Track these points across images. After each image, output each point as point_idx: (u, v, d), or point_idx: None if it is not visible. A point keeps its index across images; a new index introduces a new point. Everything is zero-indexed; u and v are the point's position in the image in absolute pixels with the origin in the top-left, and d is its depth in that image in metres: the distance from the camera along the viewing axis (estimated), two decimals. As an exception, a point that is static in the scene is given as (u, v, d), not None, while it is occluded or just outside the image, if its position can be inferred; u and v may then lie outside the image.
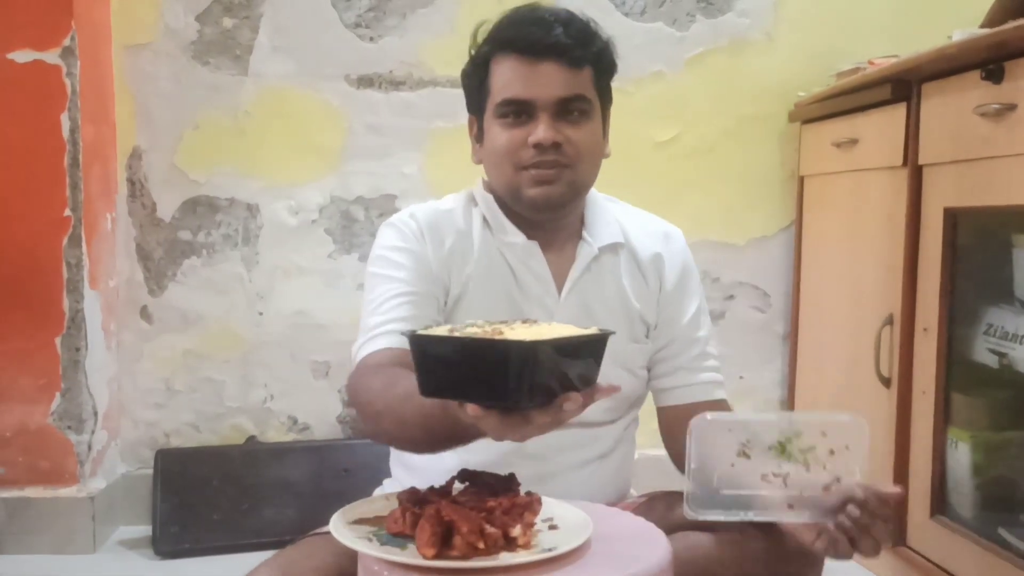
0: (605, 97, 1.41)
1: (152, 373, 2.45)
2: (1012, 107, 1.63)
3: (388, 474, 1.53)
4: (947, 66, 1.81)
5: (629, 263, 1.46)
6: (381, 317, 1.32)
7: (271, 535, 2.20)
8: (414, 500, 1.06)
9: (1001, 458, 1.85)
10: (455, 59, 2.44)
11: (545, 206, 1.37)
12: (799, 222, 2.52)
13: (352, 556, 1.10)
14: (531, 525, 1.03)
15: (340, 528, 1.05)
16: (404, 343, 1.12)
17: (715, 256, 2.56)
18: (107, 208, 2.35)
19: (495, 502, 1.03)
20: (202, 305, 2.45)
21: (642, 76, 2.50)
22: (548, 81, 1.32)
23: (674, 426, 1.43)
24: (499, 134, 1.35)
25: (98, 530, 2.23)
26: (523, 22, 1.34)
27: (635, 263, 1.46)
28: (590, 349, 0.99)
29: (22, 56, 2.15)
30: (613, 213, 1.49)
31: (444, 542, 0.97)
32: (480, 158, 1.43)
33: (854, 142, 2.18)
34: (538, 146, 1.32)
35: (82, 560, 2.18)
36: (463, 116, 2.41)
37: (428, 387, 0.96)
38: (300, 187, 2.45)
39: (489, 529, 0.97)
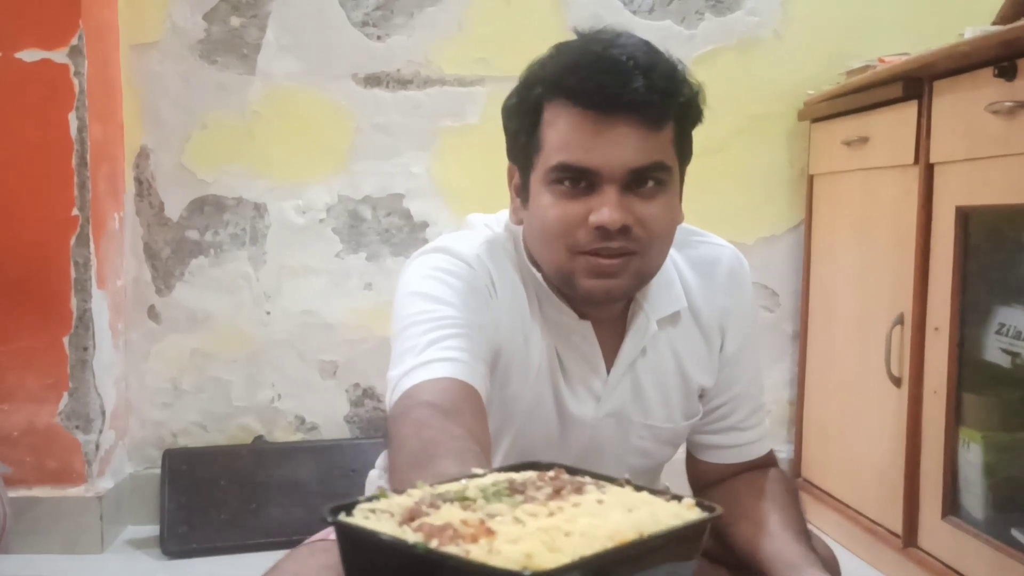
0: (685, 155, 1.15)
1: (160, 373, 2.45)
2: (1025, 105, 1.62)
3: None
4: (959, 64, 1.80)
5: (690, 329, 1.22)
6: (428, 339, 1.05)
7: (279, 535, 2.19)
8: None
9: (1013, 458, 1.83)
10: (463, 58, 2.47)
11: (604, 300, 1.12)
12: (809, 221, 2.51)
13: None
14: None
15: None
16: (466, 375, 1.01)
17: (724, 255, 2.54)
18: (115, 207, 2.35)
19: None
20: (210, 305, 2.44)
21: (651, 74, 2.49)
22: (620, 146, 1.03)
23: (712, 481, 1.29)
24: (550, 205, 1.07)
25: (106, 530, 2.23)
26: (592, 67, 1.04)
27: (698, 326, 1.22)
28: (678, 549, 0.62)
29: (30, 55, 2.15)
30: (671, 259, 1.20)
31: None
32: (521, 218, 1.15)
33: (864, 140, 2.17)
34: (601, 229, 1.04)
35: (90, 560, 2.18)
36: (471, 115, 2.40)
37: None
38: (308, 186, 2.45)
39: None
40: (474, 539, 0.56)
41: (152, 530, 2.31)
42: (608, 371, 1.18)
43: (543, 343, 1.16)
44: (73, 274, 2.19)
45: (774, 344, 2.60)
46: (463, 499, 0.63)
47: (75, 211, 2.19)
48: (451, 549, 0.55)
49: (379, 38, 2.44)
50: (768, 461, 1.30)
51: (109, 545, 2.25)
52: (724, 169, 2.52)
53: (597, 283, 1.08)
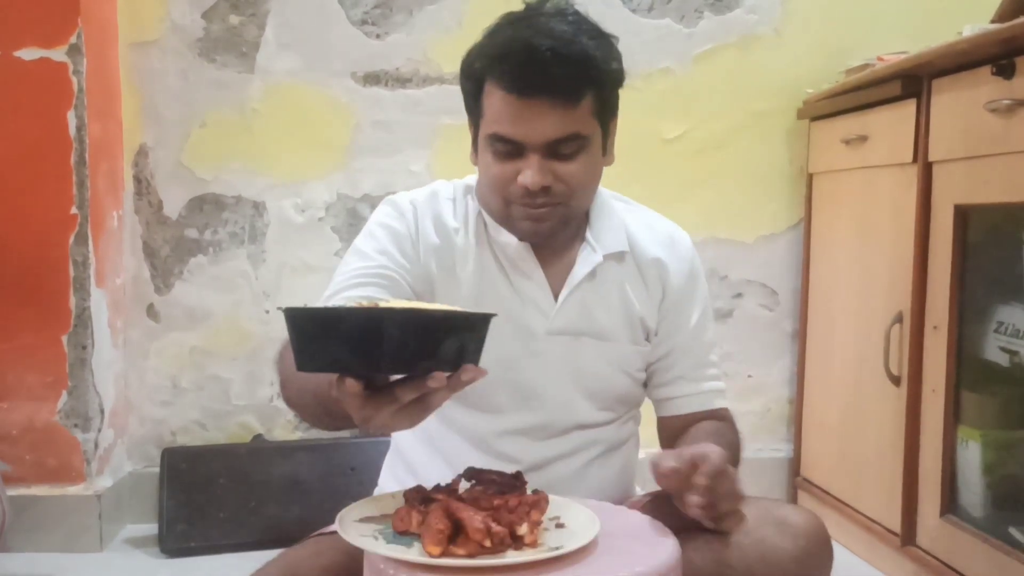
0: (609, 113, 1.32)
1: (159, 371, 2.45)
2: (1023, 103, 1.62)
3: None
4: (958, 62, 1.80)
5: (632, 269, 1.41)
6: (336, 290, 1.29)
7: (277, 533, 2.19)
8: (420, 498, 1.06)
9: (1012, 457, 1.83)
10: (462, 56, 2.46)
11: (535, 238, 1.34)
12: (808, 219, 2.51)
13: (359, 556, 1.10)
14: (538, 523, 1.02)
15: (346, 526, 1.04)
16: None
17: (723, 253, 2.55)
18: (114, 206, 2.35)
19: (501, 500, 1.02)
20: (209, 303, 2.44)
21: (650, 73, 2.49)
22: (538, 122, 1.24)
23: (673, 437, 1.41)
24: (490, 163, 1.30)
25: (105, 528, 2.23)
26: (515, 53, 1.23)
27: (638, 269, 1.41)
28: (467, 327, 0.91)
29: (29, 54, 2.15)
30: (620, 216, 1.43)
31: (451, 540, 0.96)
32: (475, 162, 1.38)
33: (863, 139, 2.17)
34: (525, 188, 1.26)
35: (89, 558, 2.18)
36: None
37: (302, 362, 0.90)
38: (307, 184, 2.45)
39: (495, 527, 0.97)
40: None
41: (151, 528, 2.31)
42: (557, 296, 1.36)
43: (492, 263, 1.36)
44: (72, 272, 2.19)
45: (773, 342, 2.60)
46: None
47: (74, 209, 2.19)
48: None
49: (378, 36, 2.44)
50: (721, 416, 1.43)
51: (108, 543, 2.25)
52: (723, 167, 2.52)
53: (528, 225, 1.31)
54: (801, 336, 2.55)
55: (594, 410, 1.39)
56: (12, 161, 2.17)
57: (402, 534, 1.03)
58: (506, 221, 1.33)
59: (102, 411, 2.27)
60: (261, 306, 2.46)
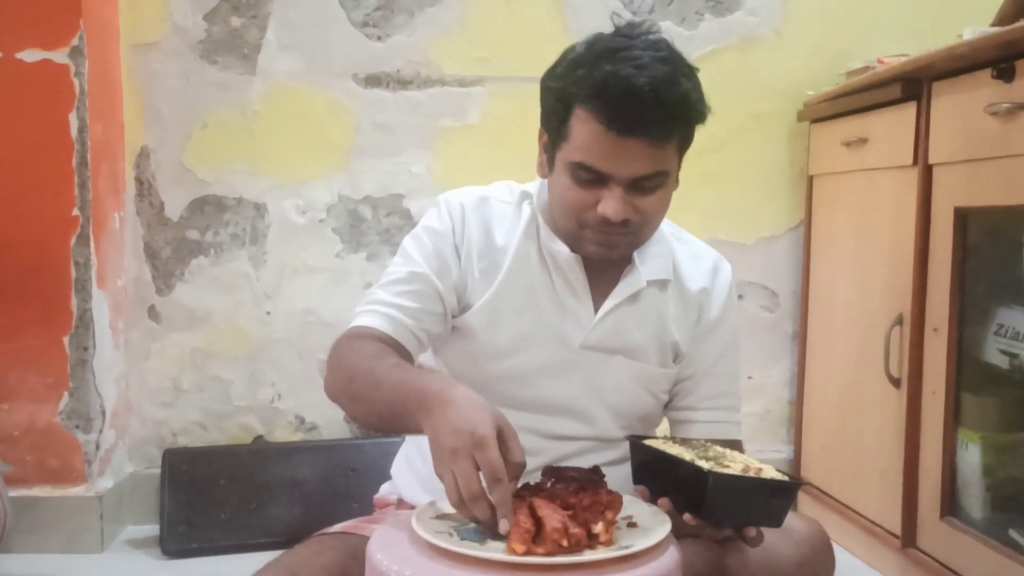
0: (686, 146, 1.35)
1: (160, 372, 2.45)
2: (1023, 106, 1.62)
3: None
4: (958, 65, 1.80)
5: (676, 297, 1.44)
6: (387, 296, 1.34)
7: (279, 534, 2.20)
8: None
9: (1012, 459, 1.83)
10: (463, 58, 2.47)
11: (603, 263, 1.37)
12: (808, 221, 2.51)
13: (360, 556, 1.10)
14: (613, 522, 1.06)
15: (423, 522, 1.08)
16: (394, 328, 1.31)
17: (724, 255, 2.51)
18: (115, 207, 2.35)
19: (576, 499, 1.06)
20: (210, 304, 2.45)
21: (650, 75, 2.49)
22: (630, 159, 1.25)
23: None
24: (569, 188, 1.30)
25: (106, 529, 2.23)
26: (616, 90, 1.22)
27: (683, 296, 1.44)
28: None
29: (31, 56, 2.16)
30: (669, 243, 1.46)
31: (534, 539, 1.00)
32: (544, 174, 1.38)
33: (864, 141, 2.17)
34: (605, 218, 1.27)
35: (90, 559, 2.18)
36: (471, 115, 2.41)
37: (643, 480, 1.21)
38: (308, 186, 2.45)
39: (573, 528, 1.00)
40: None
41: (152, 530, 2.31)
42: (597, 310, 1.38)
43: (540, 271, 1.38)
44: (73, 274, 2.20)
45: (774, 344, 2.60)
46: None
47: (75, 211, 2.19)
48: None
49: (379, 38, 2.45)
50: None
51: (109, 544, 2.25)
52: (724, 169, 2.52)
53: (598, 250, 1.33)
54: (801, 338, 2.55)
55: (615, 426, 1.41)
56: (14, 162, 2.17)
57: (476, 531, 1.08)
58: (574, 241, 1.35)
59: (103, 412, 2.27)
60: (262, 307, 2.46)
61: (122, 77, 2.39)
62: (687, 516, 1.10)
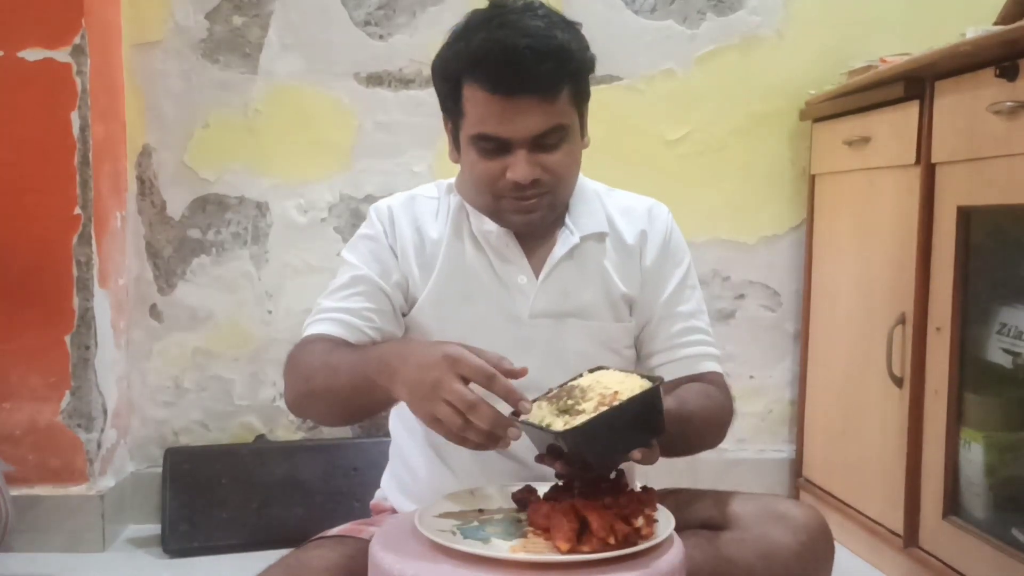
0: (582, 99, 1.35)
1: (161, 371, 2.45)
2: (1026, 105, 1.62)
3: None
4: (960, 63, 1.80)
5: (615, 248, 1.44)
6: (333, 303, 1.38)
7: (280, 534, 2.19)
8: (552, 496, 1.12)
9: (1014, 458, 1.83)
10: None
11: (527, 230, 1.38)
12: (810, 221, 2.51)
13: (363, 558, 1.10)
14: (652, 518, 1.07)
15: (425, 521, 1.08)
16: (347, 331, 1.34)
17: (725, 255, 2.55)
18: (117, 206, 2.35)
19: (612, 498, 1.07)
20: (211, 303, 2.45)
21: (652, 74, 2.49)
22: (523, 119, 1.27)
23: None
24: (475, 162, 1.33)
25: (107, 528, 2.23)
26: (494, 54, 1.25)
27: (622, 246, 1.44)
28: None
29: (32, 54, 2.16)
30: (599, 198, 1.47)
31: (579, 537, 1.02)
32: (456, 159, 1.41)
33: (866, 140, 2.17)
34: (515, 183, 1.30)
35: (91, 558, 2.18)
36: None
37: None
38: (310, 185, 2.45)
39: (619, 525, 1.01)
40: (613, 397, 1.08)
41: (154, 529, 2.31)
42: (538, 277, 1.39)
43: (475, 253, 1.40)
44: (75, 273, 2.20)
45: (775, 343, 2.60)
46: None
47: (77, 210, 2.19)
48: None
49: (381, 37, 2.45)
50: (709, 380, 1.42)
51: (111, 544, 2.25)
52: (726, 168, 2.52)
53: (520, 217, 1.35)
54: (803, 337, 2.55)
55: None
56: (15, 161, 2.17)
57: (479, 529, 1.09)
58: (496, 215, 1.37)
59: (105, 411, 2.27)
60: (263, 307, 2.46)
61: (124, 76, 2.39)
62: (559, 469, 1.10)
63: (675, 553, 1.05)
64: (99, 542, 2.21)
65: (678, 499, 1.33)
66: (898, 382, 2.01)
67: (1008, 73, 1.65)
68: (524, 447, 1.35)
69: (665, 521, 1.09)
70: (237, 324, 2.46)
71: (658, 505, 1.11)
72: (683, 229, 1.51)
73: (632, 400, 1.06)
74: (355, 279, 1.39)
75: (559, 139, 1.30)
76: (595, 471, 1.09)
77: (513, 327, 1.38)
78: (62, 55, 2.16)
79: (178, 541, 2.23)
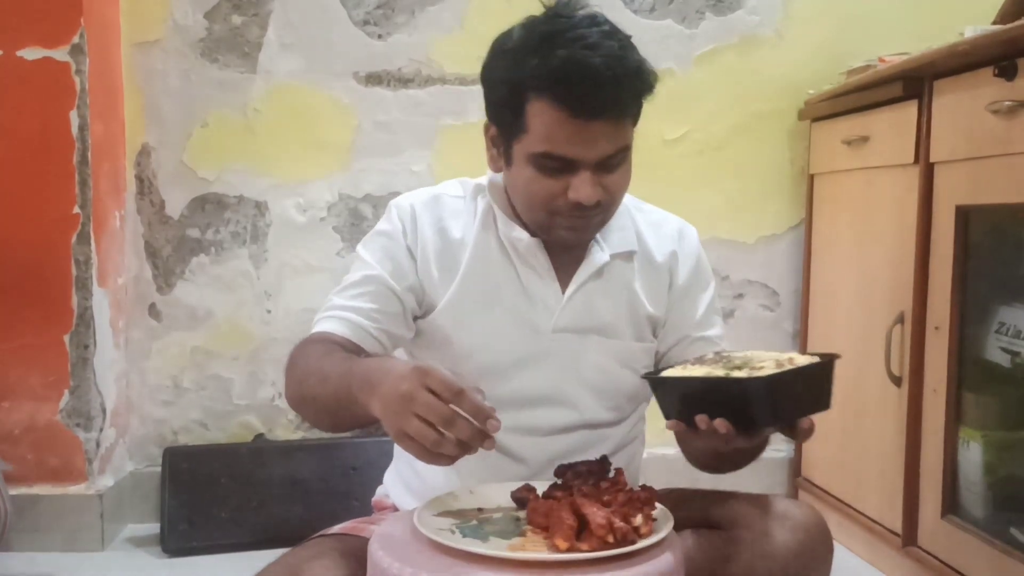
0: (639, 116, 1.34)
1: (160, 370, 2.45)
2: (1025, 104, 1.62)
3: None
4: (959, 63, 1.80)
5: (644, 267, 1.42)
6: (343, 301, 1.35)
7: (279, 533, 2.18)
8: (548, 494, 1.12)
9: (1013, 457, 1.83)
10: (464, 56, 2.47)
11: (577, 246, 1.37)
12: (809, 220, 2.51)
13: (362, 557, 1.10)
14: (651, 516, 1.07)
15: (424, 520, 1.08)
16: (352, 331, 1.31)
17: (724, 254, 2.55)
18: (116, 205, 2.35)
19: (612, 496, 1.07)
20: (211, 302, 2.45)
21: (651, 73, 2.49)
22: (595, 140, 1.24)
23: None
24: (534, 179, 1.27)
25: (106, 528, 2.23)
26: (577, 77, 1.20)
27: (651, 265, 1.43)
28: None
29: (31, 53, 2.16)
30: (629, 213, 1.44)
31: (578, 535, 1.01)
32: (498, 168, 1.36)
33: (865, 140, 2.17)
34: (578, 204, 1.26)
35: (90, 558, 2.18)
36: (472, 114, 2.40)
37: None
38: (309, 185, 2.45)
39: (618, 523, 1.01)
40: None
41: (153, 528, 2.31)
42: (564, 292, 1.37)
43: (501, 260, 1.37)
44: (74, 272, 2.20)
45: (774, 343, 2.60)
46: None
47: (76, 209, 2.19)
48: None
49: (380, 36, 2.45)
50: None
51: (110, 543, 2.25)
52: (725, 167, 2.53)
53: (571, 234, 1.32)
54: (802, 337, 2.55)
55: (601, 408, 1.39)
56: (14, 160, 2.17)
57: (478, 528, 1.09)
58: (546, 230, 1.33)
59: (104, 411, 2.27)
60: (263, 306, 2.46)
61: (123, 75, 2.39)
62: (729, 432, 1.07)
63: (674, 552, 1.05)
64: (98, 541, 2.21)
65: (677, 498, 1.33)
66: (897, 381, 2.01)
67: (1007, 72, 1.65)
68: (526, 447, 1.36)
69: (664, 520, 1.08)
70: (236, 323, 2.45)
71: (657, 504, 1.11)
72: (689, 224, 1.51)
73: (821, 364, 1.12)
74: (366, 278, 1.36)
75: (621, 159, 1.29)
76: (761, 428, 1.10)
77: (533, 339, 1.36)
78: (61, 54, 2.16)
79: (177, 540, 2.23)
